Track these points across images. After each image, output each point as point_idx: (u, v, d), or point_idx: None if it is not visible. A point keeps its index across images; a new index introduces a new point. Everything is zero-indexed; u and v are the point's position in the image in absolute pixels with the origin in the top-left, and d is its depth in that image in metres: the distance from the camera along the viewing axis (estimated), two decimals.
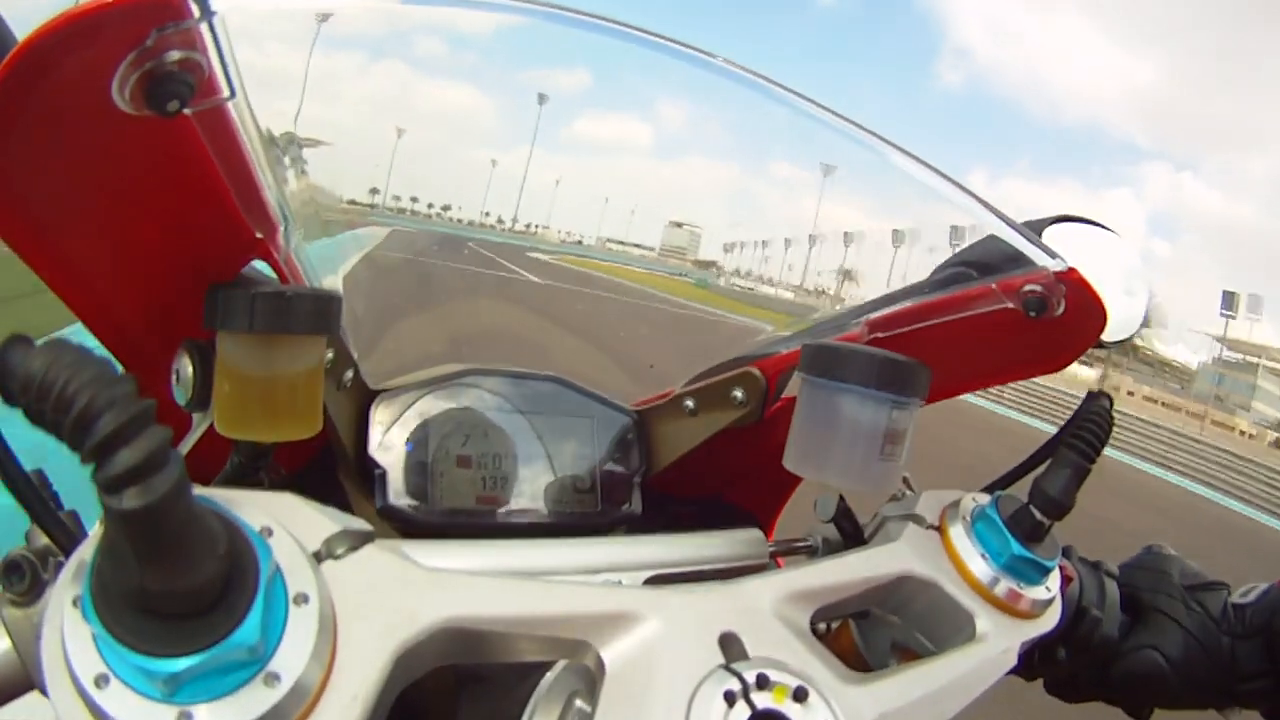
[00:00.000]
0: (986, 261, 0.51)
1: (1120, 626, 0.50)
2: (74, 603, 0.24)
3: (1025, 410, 16.76)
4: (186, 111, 0.31)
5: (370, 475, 0.56)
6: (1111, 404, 0.46)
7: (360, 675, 0.27)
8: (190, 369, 0.42)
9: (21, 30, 0.30)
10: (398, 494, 0.56)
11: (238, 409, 0.40)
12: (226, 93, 0.32)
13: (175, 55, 0.29)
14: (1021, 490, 0.45)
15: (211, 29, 0.30)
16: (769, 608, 0.35)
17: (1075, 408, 0.47)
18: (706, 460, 0.64)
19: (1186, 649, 0.49)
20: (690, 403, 0.63)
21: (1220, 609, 0.49)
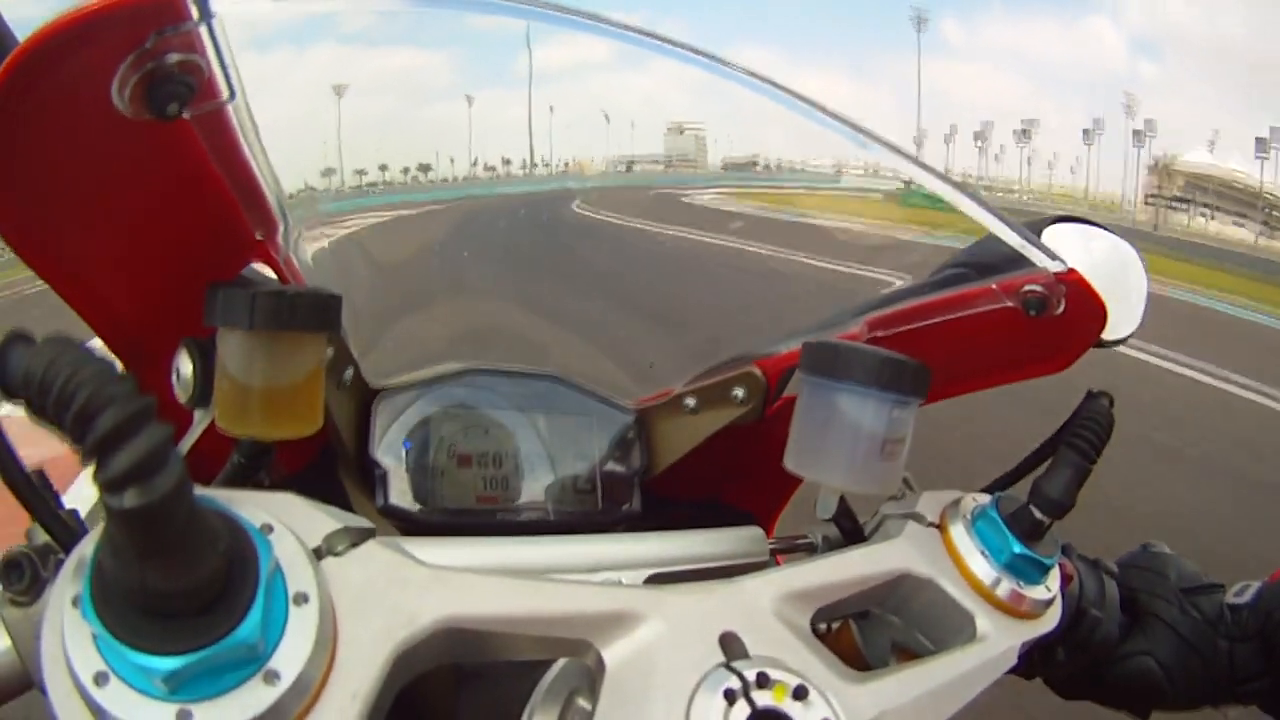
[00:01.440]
0: (986, 262, 0.51)
1: (1120, 627, 0.50)
2: (73, 601, 0.24)
3: None
4: (186, 114, 0.31)
5: (371, 475, 0.56)
6: (1112, 403, 0.46)
7: (360, 673, 0.27)
8: (190, 367, 0.42)
9: (22, 32, 0.30)
10: (398, 493, 0.56)
11: (238, 407, 0.40)
12: (226, 95, 0.33)
13: (175, 58, 0.29)
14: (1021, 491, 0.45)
15: (211, 31, 0.30)
16: (769, 606, 0.35)
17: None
18: (707, 459, 0.64)
19: (1181, 654, 0.49)
20: (691, 401, 0.63)
21: (1216, 611, 0.49)
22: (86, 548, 0.25)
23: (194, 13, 0.29)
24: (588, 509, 0.62)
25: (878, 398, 0.42)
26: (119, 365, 0.22)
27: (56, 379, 0.21)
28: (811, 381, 0.45)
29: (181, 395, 0.43)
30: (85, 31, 0.27)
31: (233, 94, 0.33)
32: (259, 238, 0.43)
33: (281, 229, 0.45)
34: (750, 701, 0.30)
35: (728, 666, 0.31)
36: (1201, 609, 0.50)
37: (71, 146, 0.32)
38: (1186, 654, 0.49)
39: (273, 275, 0.46)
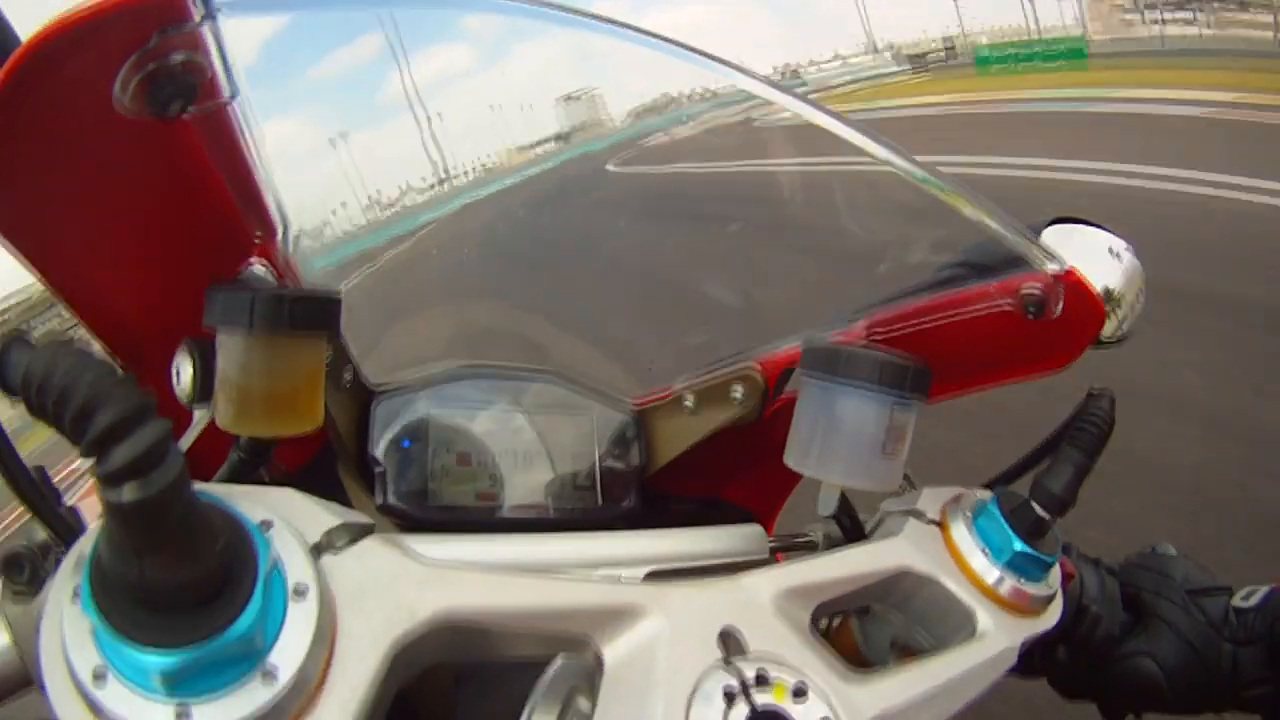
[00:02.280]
0: (985, 262, 0.51)
1: (1121, 625, 0.50)
2: (73, 595, 0.24)
3: None
4: (188, 113, 0.31)
5: (370, 473, 0.56)
6: (1113, 403, 0.46)
7: (359, 670, 0.27)
8: (190, 367, 0.42)
9: (25, 31, 0.30)
10: (398, 492, 0.56)
11: (238, 407, 0.40)
12: (228, 94, 0.33)
13: (177, 58, 0.30)
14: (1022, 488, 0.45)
15: (214, 31, 0.30)
16: (769, 603, 0.35)
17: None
18: (705, 458, 0.64)
19: (1183, 657, 0.48)
20: (690, 401, 0.63)
21: (1221, 614, 0.49)
22: (86, 543, 0.25)
23: (197, 12, 0.29)
24: (587, 507, 0.62)
25: (879, 398, 0.42)
26: (118, 366, 0.22)
27: (55, 378, 0.21)
28: (813, 382, 0.45)
29: (181, 395, 0.43)
30: (88, 31, 0.27)
31: (235, 94, 0.33)
32: (258, 238, 0.43)
33: (281, 230, 0.45)
34: (750, 701, 0.30)
35: (727, 665, 0.31)
36: (1206, 611, 0.49)
37: (73, 146, 0.32)
38: (1188, 656, 0.48)
39: (272, 276, 0.46)
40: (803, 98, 0.42)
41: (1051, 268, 0.46)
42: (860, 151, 0.44)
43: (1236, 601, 0.49)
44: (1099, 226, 0.50)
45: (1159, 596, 0.50)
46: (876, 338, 0.55)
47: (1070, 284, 0.46)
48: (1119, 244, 0.50)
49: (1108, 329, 0.48)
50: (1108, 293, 0.47)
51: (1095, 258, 0.48)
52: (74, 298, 0.39)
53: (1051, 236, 0.49)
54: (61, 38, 0.27)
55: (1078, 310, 0.47)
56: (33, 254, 0.35)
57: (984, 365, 0.55)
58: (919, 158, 0.43)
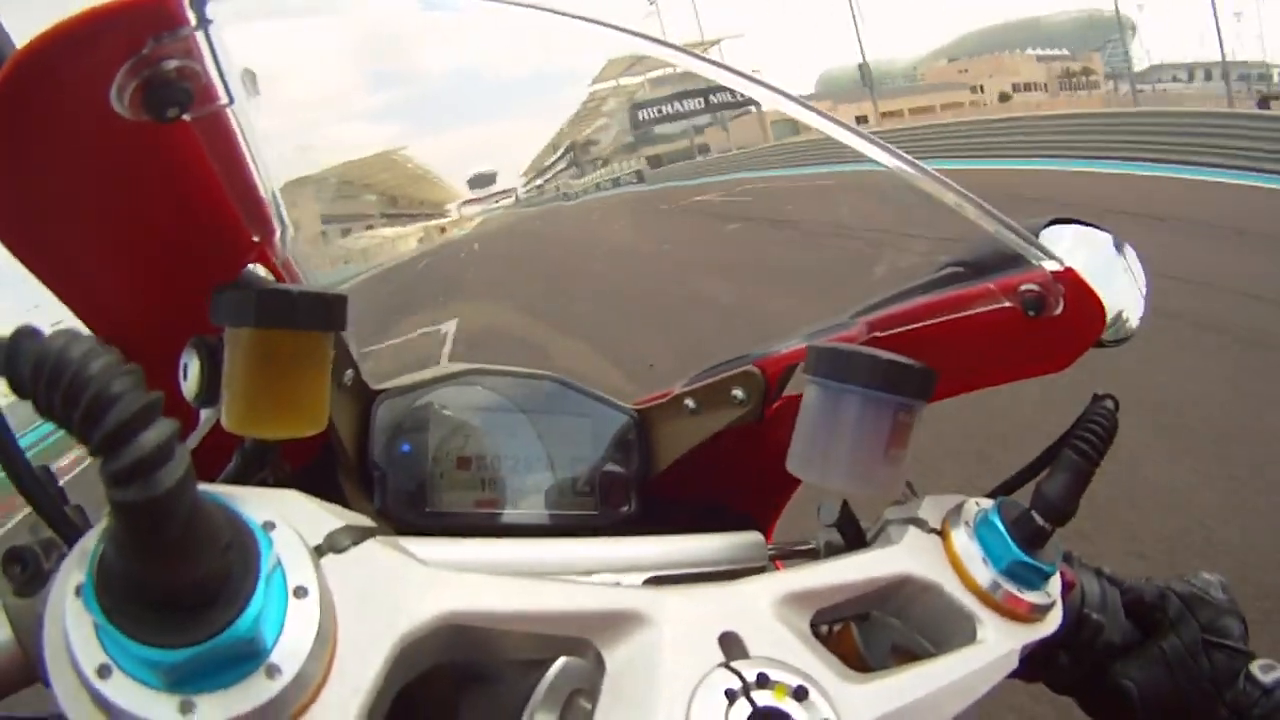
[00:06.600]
0: (984, 262, 0.51)
1: (1124, 635, 0.49)
2: (76, 591, 0.24)
3: None
4: (185, 118, 0.31)
5: (370, 476, 0.56)
6: (1117, 406, 0.46)
7: (361, 668, 0.27)
8: (198, 366, 0.43)
9: (21, 37, 0.30)
10: (397, 495, 0.56)
11: (244, 406, 0.40)
12: (224, 99, 0.33)
13: (173, 63, 0.30)
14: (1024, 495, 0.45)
15: (208, 36, 0.30)
16: (769, 608, 0.35)
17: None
18: (706, 462, 0.64)
19: (1168, 699, 0.47)
20: (691, 402, 0.63)
21: (1230, 676, 0.47)
22: (90, 539, 0.25)
23: (190, 18, 0.29)
24: (586, 512, 0.62)
25: (883, 401, 0.42)
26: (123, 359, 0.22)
27: (65, 372, 0.21)
28: (817, 384, 0.44)
29: (189, 394, 0.44)
30: (83, 36, 0.27)
31: (230, 99, 0.33)
32: (256, 240, 0.43)
33: (279, 232, 0.45)
34: (750, 701, 0.30)
35: (728, 666, 0.31)
36: (1215, 666, 0.47)
37: (71, 150, 0.33)
38: (1174, 701, 0.47)
39: (271, 278, 0.46)
40: (802, 102, 0.42)
41: (1050, 266, 0.46)
42: (861, 155, 0.44)
43: (1254, 669, 0.47)
44: (1097, 227, 0.50)
45: (1174, 631, 0.49)
46: (877, 338, 0.55)
47: (1070, 282, 0.46)
48: (1119, 243, 0.50)
49: (1109, 329, 0.48)
50: (1108, 292, 0.47)
51: (1096, 258, 0.48)
52: (74, 300, 0.39)
53: (1050, 236, 0.48)
54: (57, 43, 0.27)
55: (1078, 309, 0.47)
56: (33, 256, 0.36)
57: (985, 365, 0.55)
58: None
